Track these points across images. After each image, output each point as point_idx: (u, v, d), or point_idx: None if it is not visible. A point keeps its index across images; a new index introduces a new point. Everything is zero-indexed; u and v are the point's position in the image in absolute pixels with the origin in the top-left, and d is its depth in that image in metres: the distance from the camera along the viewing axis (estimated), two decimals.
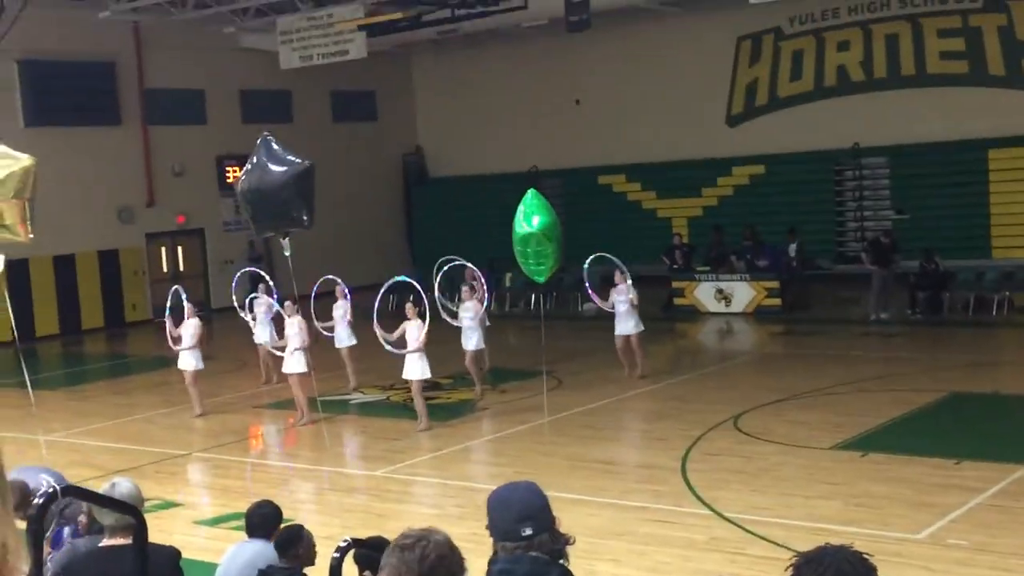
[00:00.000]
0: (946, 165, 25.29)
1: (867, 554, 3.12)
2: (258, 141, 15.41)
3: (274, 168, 14.68)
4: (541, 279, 14.75)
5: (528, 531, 3.35)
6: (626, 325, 16.48)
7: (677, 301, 23.40)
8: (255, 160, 15.17)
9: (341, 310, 16.99)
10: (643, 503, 10.41)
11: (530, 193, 14.54)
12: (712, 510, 10.02)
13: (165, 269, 28.66)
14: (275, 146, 14.91)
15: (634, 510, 10.20)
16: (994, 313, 21.06)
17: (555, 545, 3.37)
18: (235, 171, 29.64)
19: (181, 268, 28.98)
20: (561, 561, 3.44)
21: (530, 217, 14.39)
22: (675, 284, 23.63)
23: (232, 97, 29.52)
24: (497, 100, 31.50)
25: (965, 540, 8.78)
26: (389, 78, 33.02)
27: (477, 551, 5.11)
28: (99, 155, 26.65)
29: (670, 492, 10.70)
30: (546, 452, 13.09)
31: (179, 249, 29.00)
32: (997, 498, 9.89)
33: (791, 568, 3.13)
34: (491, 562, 3.43)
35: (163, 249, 28.67)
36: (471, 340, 16.10)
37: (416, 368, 14.15)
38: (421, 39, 29.32)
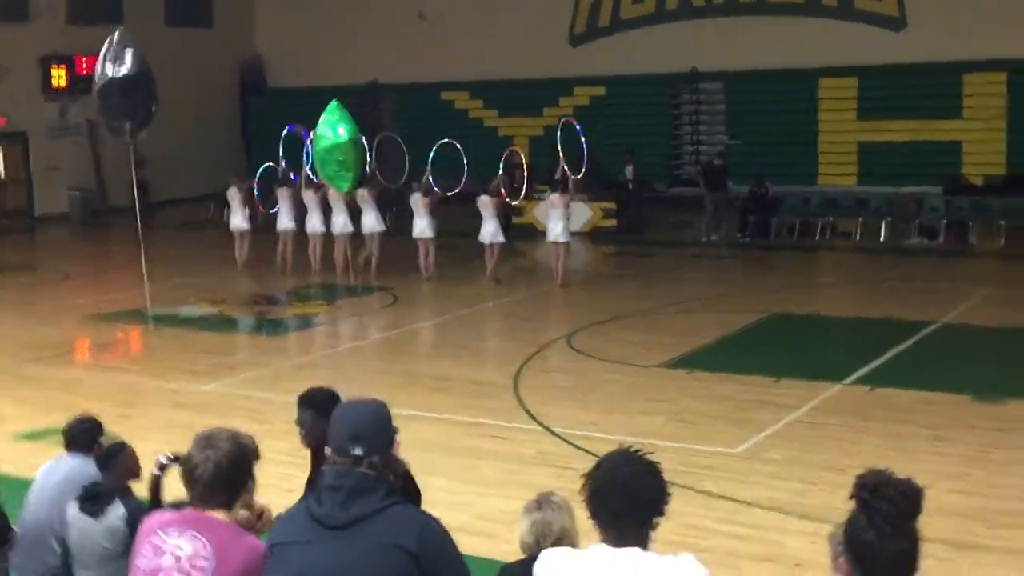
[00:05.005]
0: (779, 93, 25.97)
1: (647, 452, 3.19)
2: (115, 38, 14.70)
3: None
4: (345, 187, 15.29)
5: (358, 451, 3.35)
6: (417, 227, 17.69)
7: (516, 220, 23.51)
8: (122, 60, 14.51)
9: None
10: (475, 419, 10.52)
11: (333, 103, 15.02)
12: (541, 425, 10.21)
13: None
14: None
15: (465, 425, 10.31)
16: (817, 237, 21.93)
17: (384, 469, 3.38)
18: (60, 72, 28.31)
19: (2, 174, 27.64)
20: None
21: (335, 126, 14.64)
22: (514, 203, 23.68)
23: None
24: (340, 9, 30.74)
25: (778, 455, 9.18)
26: None
27: (305, 467, 5.11)
28: None
29: (502, 408, 10.84)
30: (380, 369, 13.08)
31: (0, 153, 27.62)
32: (809, 415, 10.35)
33: (585, 490, 3.18)
34: (319, 474, 3.44)
35: None
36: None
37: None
38: None
